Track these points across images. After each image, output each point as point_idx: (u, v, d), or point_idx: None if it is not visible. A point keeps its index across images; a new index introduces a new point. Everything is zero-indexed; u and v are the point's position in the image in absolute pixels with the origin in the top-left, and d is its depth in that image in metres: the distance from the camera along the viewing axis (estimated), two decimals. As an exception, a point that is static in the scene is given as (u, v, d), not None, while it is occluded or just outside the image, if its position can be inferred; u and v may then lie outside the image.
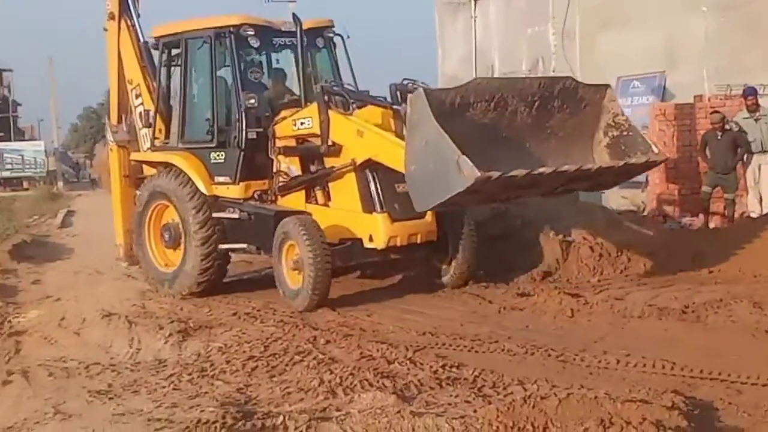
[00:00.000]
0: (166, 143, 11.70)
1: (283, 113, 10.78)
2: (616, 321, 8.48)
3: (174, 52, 11.62)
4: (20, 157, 53.61)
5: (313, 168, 10.56)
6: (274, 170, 10.77)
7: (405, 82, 10.04)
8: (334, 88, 10.35)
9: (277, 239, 9.95)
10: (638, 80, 18.22)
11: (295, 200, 10.62)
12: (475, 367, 6.95)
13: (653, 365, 6.82)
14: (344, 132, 10.00)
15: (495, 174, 7.90)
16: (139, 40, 12.42)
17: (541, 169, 8.34)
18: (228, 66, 10.89)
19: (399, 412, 5.80)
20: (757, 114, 13.82)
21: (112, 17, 12.64)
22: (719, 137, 13.65)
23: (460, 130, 8.15)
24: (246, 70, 11.02)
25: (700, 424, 5.29)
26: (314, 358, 7.51)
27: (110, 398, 7.21)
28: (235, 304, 10.48)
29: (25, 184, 50.81)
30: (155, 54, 11.95)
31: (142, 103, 12.27)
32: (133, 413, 6.60)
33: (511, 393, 6.15)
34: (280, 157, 10.63)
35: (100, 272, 13.28)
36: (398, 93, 10.00)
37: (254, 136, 10.65)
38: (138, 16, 12.52)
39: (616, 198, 14.99)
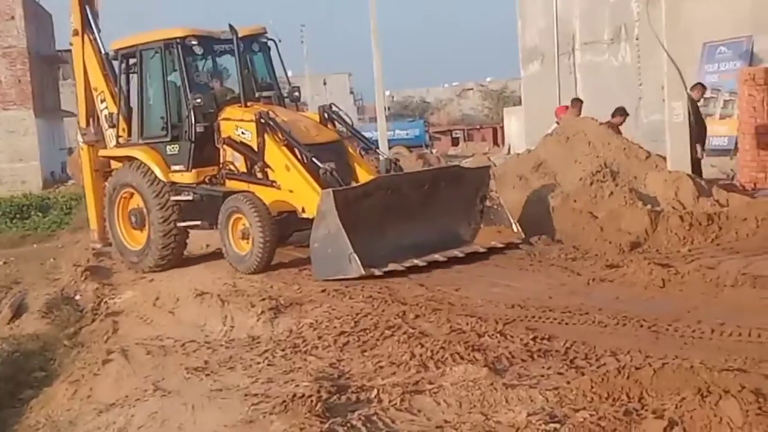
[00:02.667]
0: (129, 140, 13.25)
1: (227, 110, 12.37)
2: (709, 290, 8.27)
3: (131, 61, 13.20)
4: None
5: (254, 167, 11.99)
6: (221, 159, 12.31)
7: (332, 107, 12.55)
8: (270, 120, 11.69)
9: (224, 214, 11.54)
10: (725, 46, 17.79)
11: (239, 183, 12.10)
12: (566, 339, 6.89)
13: (749, 334, 6.66)
14: (275, 160, 11.67)
15: (377, 272, 10.03)
16: (100, 52, 14.13)
17: (416, 261, 10.34)
18: (177, 71, 12.51)
19: (491, 384, 5.81)
20: None
21: (76, 33, 14.36)
22: None
23: (359, 213, 10.35)
24: (192, 74, 12.63)
25: (801, 392, 5.17)
26: (404, 333, 7.54)
27: (207, 375, 7.38)
28: (323, 281, 10.58)
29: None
30: (115, 64, 13.63)
31: (106, 107, 13.96)
32: (230, 389, 6.75)
33: (604, 364, 6.09)
34: (225, 147, 12.24)
35: (191, 252, 13.53)
36: (325, 114, 12.42)
37: (202, 130, 12.25)
38: (99, 31, 14.27)
39: (704, 166, 14.67)
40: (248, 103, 12.34)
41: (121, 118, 13.30)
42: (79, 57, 14.38)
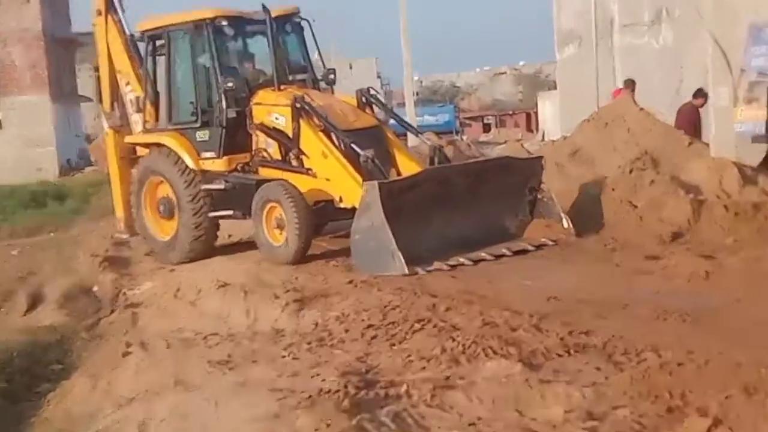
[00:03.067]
0: (156, 125, 13.24)
1: (260, 94, 12.30)
2: (755, 283, 8.20)
3: (158, 43, 13.14)
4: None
5: (289, 154, 11.96)
6: (254, 145, 12.27)
7: (370, 91, 12.49)
8: (306, 105, 11.63)
9: (258, 203, 11.46)
10: (773, 26, 17.58)
11: (273, 171, 12.02)
12: (604, 333, 6.83)
13: (797, 329, 6.62)
14: (311, 147, 11.60)
15: (420, 270, 9.78)
16: (125, 34, 14.02)
17: (462, 260, 10.08)
18: (207, 53, 12.45)
19: (527, 380, 5.80)
20: None
21: (99, 13, 14.24)
22: None
23: (405, 205, 10.25)
24: (223, 57, 12.60)
25: None
26: (434, 326, 7.53)
27: (230, 369, 7.42)
28: (351, 271, 10.59)
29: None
30: (141, 46, 13.60)
31: (132, 90, 13.88)
32: (254, 383, 6.77)
33: (645, 360, 6.05)
34: (258, 132, 12.18)
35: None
36: (363, 98, 12.31)
37: (234, 115, 12.21)
38: (123, 11, 14.18)
39: (751, 152, 14.51)
40: (281, 87, 12.24)
41: (147, 102, 13.31)
42: (103, 39, 14.29)
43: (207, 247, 12.58)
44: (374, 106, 12.48)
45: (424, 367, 6.57)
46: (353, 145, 11.11)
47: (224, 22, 12.33)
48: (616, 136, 13.15)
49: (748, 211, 10.57)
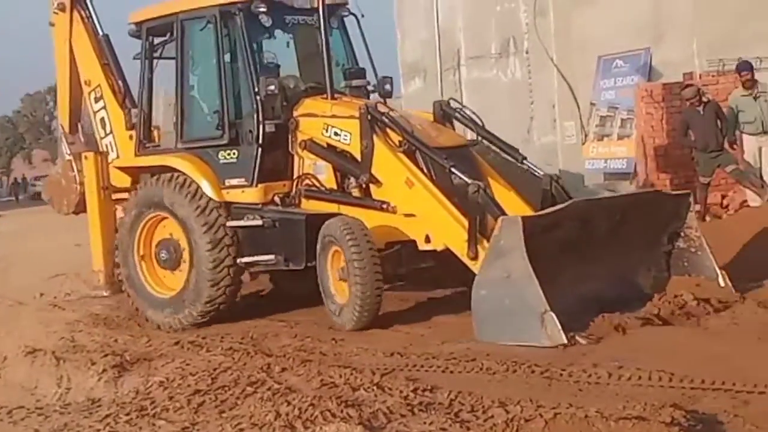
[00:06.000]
0: (157, 146, 11.47)
1: (307, 104, 10.47)
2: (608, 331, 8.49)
3: (156, 40, 11.34)
4: None
5: (347, 181, 10.22)
6: (297, 170, 10.41)
7: (452, 103, 10.56)
8: (383, 117, 9.87)
9: (321, 245, 9.55)
10: (621, 59, 18.32)
11: (324, 204, 10.22)
12: (450, 389, 6.94)
13: (649, 377, 6.85)
14: (389, 172, 9.71)
15: (582, 340, 7.96)
16: (97, 34, 12.11)
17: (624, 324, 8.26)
18: (237, 49, 10.52)
19: (366, 444, 5.81)
20: (755, 91, 13.86)
21: (61, 8, 12.28)
22: (701, 113, 13.69)
23: (548, 251, 8.34)
24: (258, 54, 10.66)
25: (704, 440, 5.35)
26: (269, 389, 7.48)
27: (37, 446, 7.17)
28: (179, 331, 10.44)
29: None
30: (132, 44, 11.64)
31: (104, 107, 12.01)
32: (64, 462, 6.57)
33: (492, 416, 6.14)
34: (305, 153, 10.27)
35: (22, 303, 13.14)
36: (442, 111, 10.40)
37: (273, 130, 10.28)
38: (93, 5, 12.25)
39: (601, 189, 15.08)
40: (335, 96, 10.49)
41: (142, 116, 11.41)
42: (64, 41, 12.38)
43: (229, 302, 10.61)
44: (453, 123, 10.69)
45: (256, 435, 6.51)
46: (454, 170, 9.31)
47: (261, 8, 10.40)
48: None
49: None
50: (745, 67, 14.06)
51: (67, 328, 11.02)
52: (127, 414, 7.52)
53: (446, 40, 24.70)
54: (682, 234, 9.41)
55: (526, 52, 21.29)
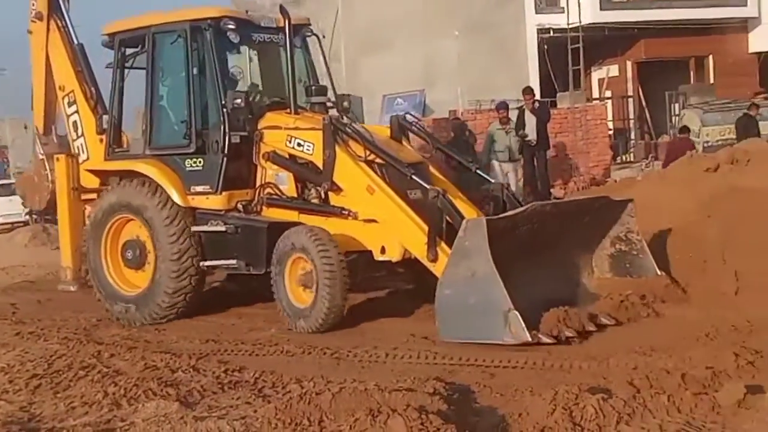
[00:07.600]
0: (126, 151, 10.40)
1: (271, 117, 9.58)
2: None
3: (128, 52, 10.32)
4: None
5: (308, 191, 9.33)
6: (259, 179, 9.53)
7: (407, 117, 9.80)
8: (346, 128, 9.06)
9: (281, 252, 8.64)
10: (401, 98, 18.79)
11: (284, 212, 9.36)
12: (255, 369, 6.94)
13: (418, 356, 7.08)
14: (351, 180, 8.81)
15: (544, 338, 7.05)
16: (72, 43, 11.12)
17: (567, 333, 7.19)
18: (206, 63, 9.58)
19: (182, 417, 5.72)
20: (507, 127, 14.62)
21: (39, 17, 11.23)
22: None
23: (509, 251, 7.46)
24: (226, 68, 9.73)
25: (459, 406, 5.51)
26: (99, 372, 7.22)
27: None
28: (19, 323, 9.95)
29: None
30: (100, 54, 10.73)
31: (76, 111, 10.97)
32: None
33: (289, 391, 6.16)
34: (268, 163, 9.40)
35: None
36: (399, 126, 9.53)
37: (238, 141, 9.36)
38: (69, 15, 11.22)
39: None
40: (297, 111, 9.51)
41: (112, 123, 10.31)
42: (41, 48, 11.26)
43: (189, 304, 9.54)
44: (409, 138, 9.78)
45: (86, 412, 6.26)
46: (414, 177, 8.48)
47: (230, 25, 9.52)
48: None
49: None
50: (502, 106, 14.78)
51: None
52: (-31, 397, 7.10)
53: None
54: (625, 237, 8.66)
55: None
